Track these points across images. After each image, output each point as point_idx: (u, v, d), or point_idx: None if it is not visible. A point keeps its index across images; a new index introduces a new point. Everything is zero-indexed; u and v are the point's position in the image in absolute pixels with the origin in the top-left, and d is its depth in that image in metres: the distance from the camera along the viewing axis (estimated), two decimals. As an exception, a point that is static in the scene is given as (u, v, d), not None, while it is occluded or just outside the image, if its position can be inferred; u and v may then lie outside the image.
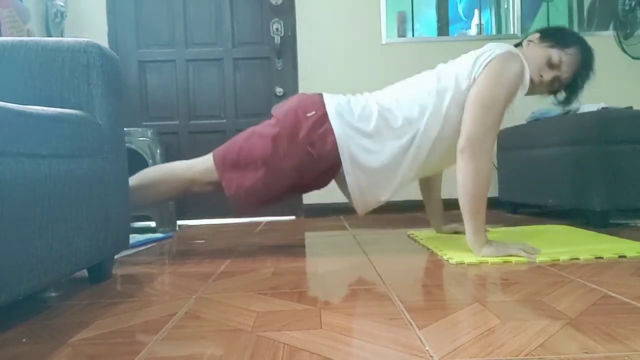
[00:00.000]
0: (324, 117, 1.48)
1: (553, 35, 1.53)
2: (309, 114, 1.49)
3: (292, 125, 1.49)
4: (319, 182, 1.61)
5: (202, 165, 1.58)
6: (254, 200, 1.55)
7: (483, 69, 1.41)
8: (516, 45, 1.56)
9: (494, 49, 1.44)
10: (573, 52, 1.52)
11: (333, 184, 1.63)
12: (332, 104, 1.50)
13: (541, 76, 1.51)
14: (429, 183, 1.84)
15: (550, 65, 1.51)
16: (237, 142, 1.57)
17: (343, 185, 1.57)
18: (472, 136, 1.37)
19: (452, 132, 1.44)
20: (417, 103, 1.46)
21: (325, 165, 1.51)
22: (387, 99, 1.52)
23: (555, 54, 1.51)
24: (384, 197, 1.52)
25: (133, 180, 1.57)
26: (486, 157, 1.37)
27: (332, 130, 1.46)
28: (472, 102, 1.40)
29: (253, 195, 1.54)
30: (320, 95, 1.55)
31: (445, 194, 1.87)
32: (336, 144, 1.46)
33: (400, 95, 1.51)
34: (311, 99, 1.55)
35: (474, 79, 1.41)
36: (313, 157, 1.48)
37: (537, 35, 1.55)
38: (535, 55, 1.51)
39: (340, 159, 1.47)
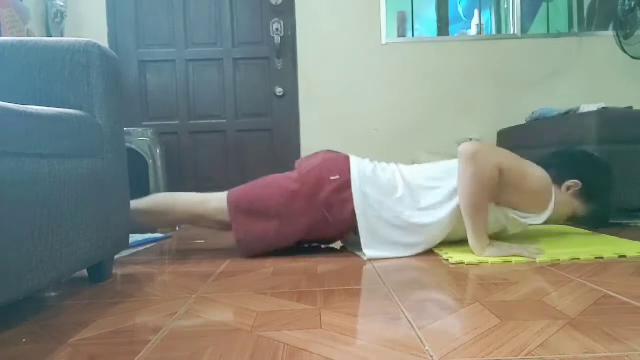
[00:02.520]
0: (346, 184, 1.48)
1: (593, 197, 1.53)
2: (332, 177, 1.49)
3: (314, 185, 1.49)
4: (327, 241, 1.67)
5: (216, 202, 1.57)
6: (261, 247, 1.55)
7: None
8: (550, 166, 1.49)
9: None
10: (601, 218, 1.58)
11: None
12: (357, 171, 1.50)
13: (558, 218, 1.55)
14: None
15: (570, 219, 1.58)
16: (256, 188, 1.57)
17: (347, 243, 1.62)
18: (472, 144, 1.39)
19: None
20: (444, 188, 1.47)
21: (337, 230, 1.53)
22: (414, 176, 1.53)
23: (581, 213, 1.55)
24: (394, 255, 1.49)
25: (143, 204, 1.59)
26: (487, 161, 1.37)
27: (352, 199, 1.46)
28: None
29: (261, 243, 1.54)
30: (347, 158, 1.56)
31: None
32: (354, 212, 1.46)
33: (427, 176, 1.53)
34: (337, 161, 1.55)
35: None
36: (328, 221, 1.49)
37: (580, 187, 1.51)
38: (566, 205, 1.53)
39: (354, 225, 1.47)
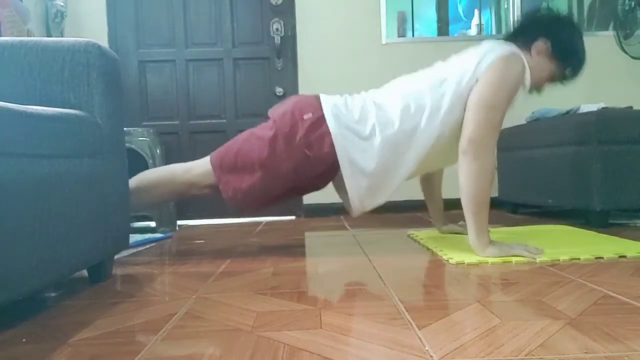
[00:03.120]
0: (321, 119, 1.47)
1: (564, 52, 1.51)
2: (305, 116, 1.48)
3: (289, 127, 1.48)
4: (317, 184, 1.60)
5: (200, 168, 1.58)
6: (251, 202, 1.55)
7: (486, 68, 1.40)
8: (515, 36, 1.52)
9: (497, 48, 1.43)
10: (576, 70, 1.53)
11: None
12: (329, 105, 1.49)
13: (537, 86, 1.54)
14: (429, 182, 1.84)
15: (551, 80, 1.54)
16: (234, 145, 1.56)
17: (340, 187, 1.56)
18: (474, 137, 1.36)
19: (452, 131, 1.43)
20: (416, 102, 1.45)
21: (323, 167, 1.50)
22: (385, 98, 1.51)
23: (560, 72, 1.52)
24: (383, 199, 1.51)
25: (132, 182, 1.56)
26: (488, 158, 1.37)
27: (329, 132, 1.45)
28: (474, 103, 1.39)
29: (250, 197, 1.53)
30: (317, 96, 1.54)
31: (446, 194, 1.87)
32: (334, 146, 1.45)
33: (398, 94, 1.50)
34: (308, 101, 1.54)
35: (477, 79, 1.41)
36: (310, 160, 1.47)
37: (549, 44, 1.50)
38: (540, 68, 1.50)
39: (336, 159, 1.46)
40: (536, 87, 1.54)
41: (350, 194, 1.48)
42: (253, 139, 1.54)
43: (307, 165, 1.48)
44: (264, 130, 1.53)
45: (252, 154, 1.50)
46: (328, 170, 1.51)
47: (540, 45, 1.50)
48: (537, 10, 1.61)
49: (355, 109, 1.49)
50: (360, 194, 1.48)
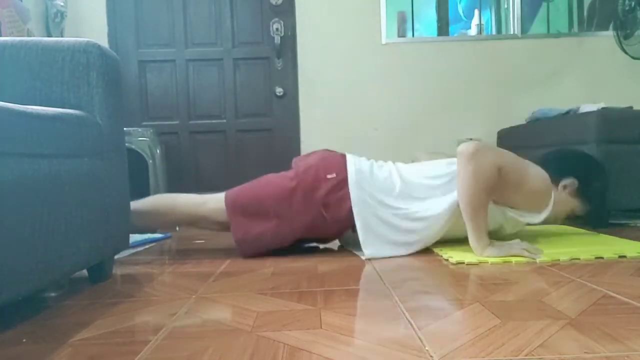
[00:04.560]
0: (343, 182, 1.48)
1: (589, 196, 1.54)
2: (329, 176, 1.49)
3: (311, 183, 1.49)
4: (325, 239, 1.66)
5: (214, 204, 1.57)
6: (259, 246, 1.55)
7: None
8: (547, 164, 1.52)
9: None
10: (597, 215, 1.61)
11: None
12: (354, 169, 1.50)
13: (556, 220, 1.58)
14: None
15: (567, 217, 1.59)
16: (252, 188, 1.57)
17: (346, 241, 1.61)
18: (471, 143, 1.38)
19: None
20: (441, 185, 1.48)
21: (335, 228, 1.53)
22: (412, 175, 1.53)
23: (578, 211, 1.56)
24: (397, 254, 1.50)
25: (142, 204, 1.58)
26: (486, 160, 1.37)
27: (349, 197, 1.46)
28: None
29: (259, 242, 1.54)
30: (344, 156, 1.55)
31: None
32: (351, 210, 1.46)
33: (425, 173, 1.53)
34: (334, 159, 1.55)
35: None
36: (325, 220, 1.49)
37: (576, 185, 1.52)
38: (564, 204, 1.53)
39: (351, 223, 1.47)
40: (554, 221, 1.58)
41: (365, 251, 1.46)
42: (272, 186, 1.54)
43: (320, 223, 1.50)
44: (284, 179, 1.54)
45: (269, 202, 1.51)
46: (339, 230, 1.55)
47: (568, 183, 1.53)
48: (572, 150, 1.68)
49: (380, 178, 1.51)
50: (375, 252, 1.47)
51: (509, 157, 1.42)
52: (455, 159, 1.47)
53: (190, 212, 1.61)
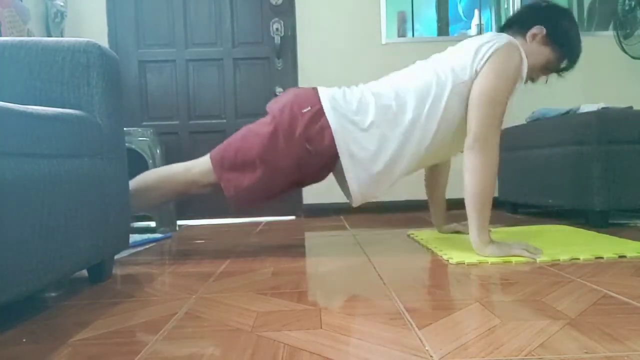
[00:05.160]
0: (319, 112, 1.46)
1: (559, 38, 1.51)
2: (304, 110, 1.47)
3: (288, 122, 1.47)
4: (318, 176, 1.60)
5: (200, 167, 1.58)
6: (253, 198, 1.55)
7: (485, 62, 1.40)
8: (511, 25, 1.54)
9: (494, 40, 1.43)
10: (572, 58, 1.53)
11: (332, 182, 1.63)
12: (327, 98, 1.49)
13: (532, 77, 1.54)
14: (434, 181, 1.84)
15: (546, 68, 1.54)
16: (234, 142, 1.56)
17: (341, 178, 1.56)
18: (479, 132, 1.36)
19: (452, 124, 1.43)
20: (416, 94, 1.44)
21: (324, 160, 1.49)
22: (384, 90, 1.50)
23: (554, 60, 1.52)
24: (383, 190, 1.51)
25: (132, 184, 1.56)
26: (493, 153, 1.37)
27: (328, 125, 1.44)
28: (477, 98, 1.39)
29: (253, 193, 1.53)
30: (315, 89, 1.54)
31: (448, 193, 1.87)
32: (334, 139, 1.44)
33: (397, 86, 1.49)
34: (306, 94, 1.53)
35: (476, 72, 1.40)
36: (311, 153, 1.47)
37: (544, 31, 1.50)
38: (536, 55, 1.50)
39: (337, 150, 1.45)
40: (531, 76, 1.54)
41: (350, 185, 1.48)
42: (252, 135, 1.53)
43: (308, 158, 1.48)
44: (262, 125, 1.52)
45: (252, 151, 1.50)
46: (329, 162, 1.51)
47: (536, 31, 1.51)
48: (534, 2, 1.63)
49: (353, 101, 1.48)
50: (360, 185, 1.48)
51: (500, 107, 1.39)
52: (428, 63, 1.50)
53: (178, 180, 1.61)
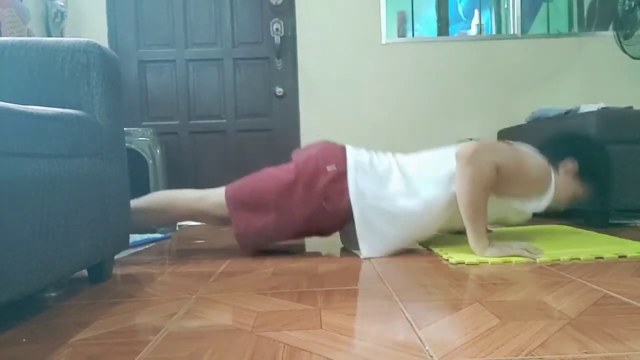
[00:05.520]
0: (342, 175, 1.47)
1: (590, 177, 1.52)
2: (329, 168, 1.48)
3: (310, 175, 1.48)
4: (325, 233, 1.64)
5: (214, 198, 1.57)
6: (260, 241, 1.55)
7: None
8: (545, 151, 1.53)
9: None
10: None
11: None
12: (353, 161, 1.50)
13: (559, 201, 1.52)
14: None
15: (572, 199, 1.55)
16: (251, 182, 1.56)
17: (346, 237, 1.59)
18: (471, 148, 1.38)
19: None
20: (436, 179, 1.46)
21: (336, 220, 1.52)
22: (410, 167, 1.52)
23: (581, 192, 1.54)
24: (393, 250, 1.50)
25: (141, 202, 1.58)
26: (484, 162, 1.36)
27: (348, 189, 1.46)
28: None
29: (261, 236, 1.54)
30: (344, 148, 1.55)
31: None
32: (351, 203, 1.45)
33: (423, 165, 1.52)
34: (334, 151, 1.54)
35: None
36: (325, 210, 1.47)
37: (576, 166, 1.51)
38: (565, 186, 1.50)
39: (352, 214, 1.46)
40: (557, 207, 1.54)
41: (362, 249, 1.47)
42: (270, 178, 1.53)
43: (321, 214, 1.49)
44: (283, 172, 1.53)
45: (269, 195, 1.50)
46: (340, 223, 1.54)
47: (568, 164, 1.51)
48: (565, 131, 1.66)
49: (379, 169, 1.50)
50: (372, 249, 1.47)
51: (506, 153, 1.42)
52: (450, 147, 1.48)
53: (190, 207, 1.61)
